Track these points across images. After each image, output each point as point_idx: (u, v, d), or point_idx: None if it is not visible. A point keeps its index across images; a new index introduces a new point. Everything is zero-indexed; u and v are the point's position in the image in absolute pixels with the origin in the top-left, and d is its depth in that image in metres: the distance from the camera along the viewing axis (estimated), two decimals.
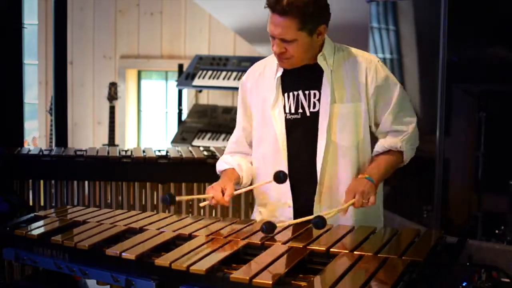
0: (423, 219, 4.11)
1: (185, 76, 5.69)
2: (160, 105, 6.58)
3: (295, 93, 2.30)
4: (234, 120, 6.07)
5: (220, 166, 2.47)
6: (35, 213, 2.51)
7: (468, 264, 2.36)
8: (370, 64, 2.29)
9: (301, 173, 2.31)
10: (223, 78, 5.56)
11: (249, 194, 3.51)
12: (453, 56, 3.81)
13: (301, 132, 2.30)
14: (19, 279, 2.89)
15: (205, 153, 3.67)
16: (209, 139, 5.48)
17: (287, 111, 2.31)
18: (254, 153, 2.43)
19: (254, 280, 1.68)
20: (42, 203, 3.50)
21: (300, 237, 2.05)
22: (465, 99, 4.03)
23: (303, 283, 1.69)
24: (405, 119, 2.33)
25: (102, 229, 2.22)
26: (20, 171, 3.51)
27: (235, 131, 2.51)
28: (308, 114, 2.29)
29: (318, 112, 2.27)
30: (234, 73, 5.55)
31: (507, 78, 3.85)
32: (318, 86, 2.27)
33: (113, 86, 6.07)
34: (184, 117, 5.84)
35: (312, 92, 2.28)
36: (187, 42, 6.14)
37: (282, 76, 2.32)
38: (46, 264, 2.18)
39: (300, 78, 2.29)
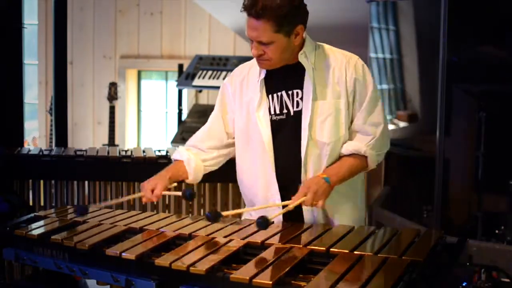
0: (423, 219, 4.11)
1: (185, 76, 5.68)
2: (160, 105, 6.58)
3: (279, 94, 2.32)
4: None
5: (174, 155, 2.55)
6: (35, 213, 2.51)
7: (468, 264, 2.36)
8: (350, 60, 2.30)
9: (288, 173, 2.33)
10: (223, 78, 5.54)
11: None
12: (453, 56, 3.81)
13: (287, 132, 2.31)
14: (19, 279, 2.89)
15: None
16: None
17: (272, 112, 2.33)
18: (241, 156, 2.44)
19: (254, 280, 1.68)
20: (42, 203, 3.50)
21: (300, 237, 2.05)
22: (465, 99, 4.03)
23: (303, 283, 1.69)
24: (375, 120, 2.31)
25: (102, 229, 2.22)
26: (20, 171, 3.51)
27: (204, 127, 2.57)
28: (292, 113, 2.31)
29: (301, 110, 2.29)
30: None
31: (507, 78, 3.85)
32: (300, 85, 2.29)
33: (113, 86, 6.07)
34: (184, 117, 5.83)
35: (295, 91, 2.30)
36: (187, 42, 6.14)
37: (265, 78, 2.33)
38: (46, 264, 2.18)
39: (283, 78, 2.31)
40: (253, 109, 2.34)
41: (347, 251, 1.89)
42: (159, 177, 2.42)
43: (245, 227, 2.20)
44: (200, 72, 5.66)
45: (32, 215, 2.48)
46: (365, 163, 2.32)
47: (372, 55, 4.60)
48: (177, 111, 5.85)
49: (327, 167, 2.29)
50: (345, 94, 2.28)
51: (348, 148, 2.30)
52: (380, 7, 4.56)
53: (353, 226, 2.17)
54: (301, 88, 2.29)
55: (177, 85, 5.75)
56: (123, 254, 1.95)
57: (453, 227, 4.04)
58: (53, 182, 3.48)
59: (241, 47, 5.90)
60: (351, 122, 2.33)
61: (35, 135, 6.75)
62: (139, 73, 6.57)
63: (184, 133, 5.59)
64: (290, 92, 2.30)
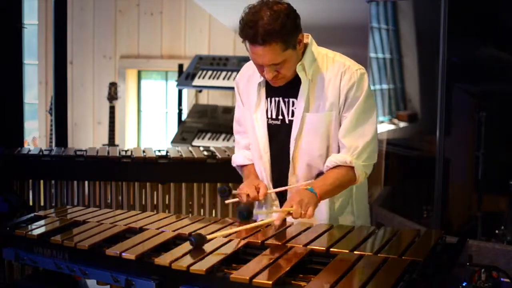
0: (423, 219, 4.11)
1: (185, 76, 5.68)
2: (160, 105, 6.58)
3: (276, 99, 2.32)
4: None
5: (239, 160, 2.48)
6: (35, 213, 2.51)
7: (468, 264, 2.36)
8: (348, 69, 2.25)
9: (282, 179, 2.33)
10: (223, 78, 5.55)
11: None
12: (453, 56, 3.81)
13: (281, 139, 2.32)
14: (19, 279, 2.89)
15: (205, 153, 3.67)
16: (209, 139, 5.48)
17: (269, 116, 2.33)
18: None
19: (254, 280, 1.68)
20: (42, 203, 3.50)
21: (300, 237, 2.05)
22: (465, 99, 4.03)
23: (303, 283, 1.69)
24: (362, 130, 2.25)
25: (102, 229, 2.22)
26: (20, 171, 3.51)
27: (239, 121, 2.50)
28: (287, 121, 2.31)
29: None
30: (234, 73, 5.55)
31: (507, 78, 3.85)
32: (296, 95, 2.28)
33: (113, 86, 6.07)
34: (184, 117, 5.83)
35: (291, 100, 2.29)
36: (187, 42, 6.14)
37: (266, 81, 2.31)
38: (46, 264, 2.18)
39: (282, 85, 2.29)
40: (252, 110, 2.36)
41: (347, 251, 1.89)
42: (254, 180, 2.36)
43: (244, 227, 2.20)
44: (200, 72, 5.66)
45: (32, 215, 2.48)
46: (353, 175, 2.25)
47: (372, 55, 4.60)
48: (177, 111, 5.85)
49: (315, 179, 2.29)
50: (337, 104, 2.25)
51: (332, 159, 2.25)
52: (380, 7, 4.56)
53: (353, 226, 2.17)
54: (297, 98, 2.28)
55: (177, 85, 5.75)
56: (123, 254, 1.95)
57: (453, 227, 4.04)
58: (53, 182, 3.48)
59: (241, 47, 5.85)
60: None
61: (35, 135, 6.75)
62: (139, 73, 6.56)
63: (184, 133, 5.60)
64: (286, 100, 2.30)
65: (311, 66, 2.26)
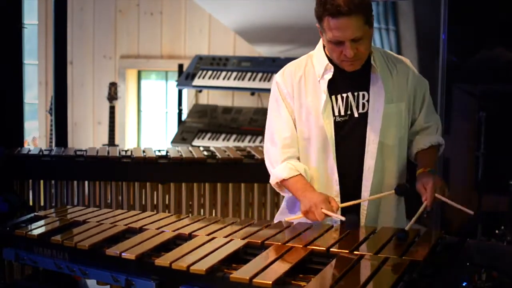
0: (423, 219, 4.11)
1: (185, 76, 5.69)
2: (160, 105, 6.58)
3: (344, 95, 2.27)
4: (234, 120, 6.02)
5: (286, 173, 2.29)
6: (35, 213, 2.51)
7: (468, 264, 2.36)
8: (408, 63, 2.35)
9: (348, 172, 2.29)
10: (223, 78, 5.56)
11: (249, 194, 3.51)
12: (453, 56, 3.81)
13: (349, 133, 2.28)
14: (19, 279, 2.89)
15: (205, 153, 3.67)
16: (209, 139, 5.48)
17: (336, 113, 2.27)
18: (302, 156, 2.34)
19: (254, 280, 1.68)
20: (42, 203, 3.50)
21: (300, 237, 2.05)
22: (465, 99, 4.03)
23: (303, 283, 1.69)
24: (434, 113, 2.45)
25: (102, 229, 2.22)
26: (20, 171, 3.51)
27: (284, 129, 2.32)
28: (356, 115, 2.27)
29: (366, 113, 2.26)
30: (234, 73, 5.55)
31: (507, 78, 3.85)
32: (366, 87, 2.26)
33: (113, 86, 6.07)
34: (184, 117, 5.83)
35: (361, 93, 2.27)
36: (187, 42, 6.14)
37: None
38: (46, 264, 2.18)
39: (349, 79, 2.25)
40: (315, 111, 2.26)
41: (347, 251, 1.89)
42: (319, 193, 2.22)
43: (245, 227, 2.20)
44: (200, 72, 5.66)
45: (32, 215, 2.48)
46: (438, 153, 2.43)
47: None
48: (177, 111, 5.85)
49: (420, 164, 2.35)
50: (406, 97, 2.31)
51: (426, 141, 2.37)
52: (380, 7, 4.56)
53: None
54: (367, 90, 2.26)
55: (177, 85, 5.76)
56: (123, 254, 1.95)
57: (453, 227, 4.03)
58: (53, 182, 3.48)
59: (241, 47, 5.90)
60: (413, 120, 2.39)
61: (35, 135, 6.75)
62: (139, 73, 6.57)
63: (184, 133, 5.59)
64: (356, 94, 2.27)
65: (377, 57, 2.28)
